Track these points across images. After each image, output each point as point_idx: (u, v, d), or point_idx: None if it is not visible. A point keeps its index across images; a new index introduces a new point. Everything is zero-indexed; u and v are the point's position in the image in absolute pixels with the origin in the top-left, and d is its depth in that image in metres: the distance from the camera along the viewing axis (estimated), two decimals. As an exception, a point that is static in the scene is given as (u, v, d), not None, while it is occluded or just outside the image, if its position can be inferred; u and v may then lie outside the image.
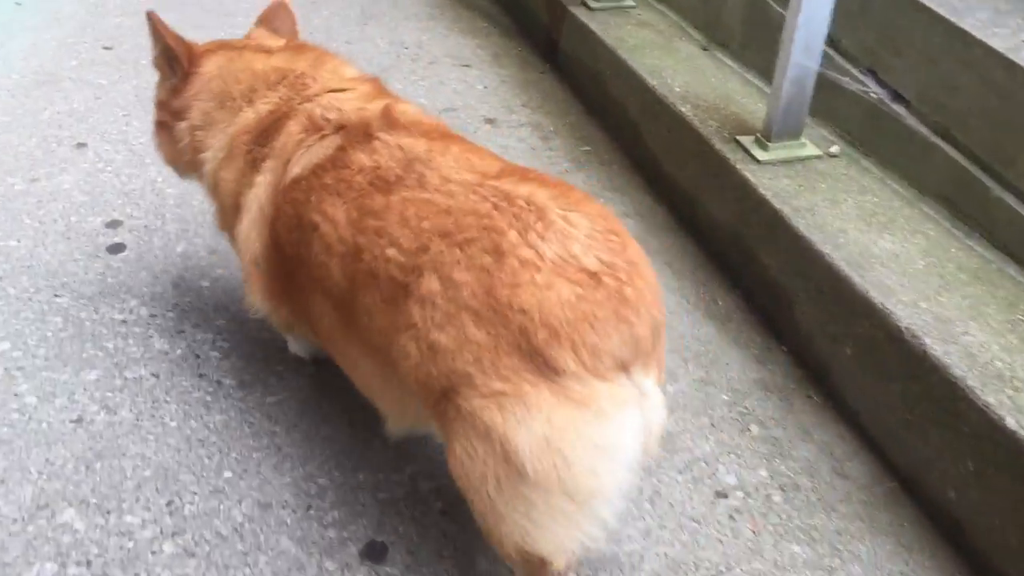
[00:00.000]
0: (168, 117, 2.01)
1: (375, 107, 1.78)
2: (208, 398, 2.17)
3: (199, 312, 2.46)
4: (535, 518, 1.40)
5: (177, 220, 2.88)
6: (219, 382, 2.23)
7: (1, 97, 3.57)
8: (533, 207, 1.47)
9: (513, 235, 1.43)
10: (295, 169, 1.73)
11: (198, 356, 2.30)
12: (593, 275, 1.41)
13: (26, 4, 4.52)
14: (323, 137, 1.74)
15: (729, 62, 3.43)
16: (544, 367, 1.36)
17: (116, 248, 2.71)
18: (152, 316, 2.44)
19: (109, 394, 2.17)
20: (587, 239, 1.44)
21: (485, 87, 3.99)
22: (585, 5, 4.01)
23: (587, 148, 3.51)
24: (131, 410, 2.12)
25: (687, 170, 2.99)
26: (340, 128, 1.75)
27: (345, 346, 1.74)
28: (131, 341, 2.34)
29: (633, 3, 4.02)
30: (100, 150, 3.25)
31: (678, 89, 3.19)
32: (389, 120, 1.73)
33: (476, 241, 1.45)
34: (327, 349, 1.86)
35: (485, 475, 1.40)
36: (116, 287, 2.54)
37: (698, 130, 2.90)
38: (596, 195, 3.16)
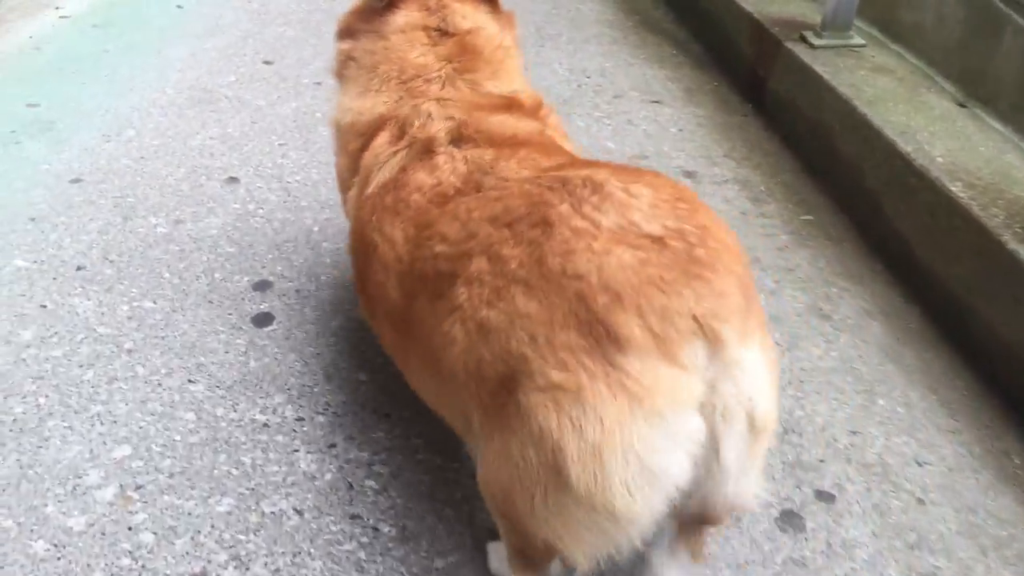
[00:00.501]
0: (357, 20, 1.91)
1: (459, 119, 1.66)
2: (362, 554, 1.68)
3: (354, 418, 1.98)
4: (573, 530, 1.28)
5: (333, 285, 2.42)
6: (376, 529, 1.73)
7: (153, 116, 3.20)
8: (589, 183, 1.33)
9: (565, 208, 1.30)
10: (370, 187, 1.69)
11: (351, 486, 1.82)
12: (658, 239, 1.25)
13: (187, 7, 4.18)
14: (395, 153, 1.68)
15: (998, 125, 2.75)
16: (605, 339, 1.19)
17: (263, 319, 2.27)
18: (299, 420, 1.97)
19: (242, 537, 1.70)
20: (650, 207, 1.29)
21: (680, 130, 3.41)
22: (805, 41, 3.39)
23: (808, 217, 2.89)
24: (267, 566, 1.65)
25: (958, 268, 2.35)
26: (411, 144, 1.67)
27: (407, 364, 1.64)
28: (272, 456, 1.87)
29: (863, 41, 3.38)
30: (252, 187, 2.83)
31: (940, 159, 2.55)
32: (460, 134, 1.62)
33: (525, 218, 1.32)
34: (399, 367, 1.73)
35: (535, 483, 1.26)
36: (260, 374, 2.09)
37: (978, 219, 2.26)
38: (826, 281, 2.55)
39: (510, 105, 1.74)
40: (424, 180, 1.56)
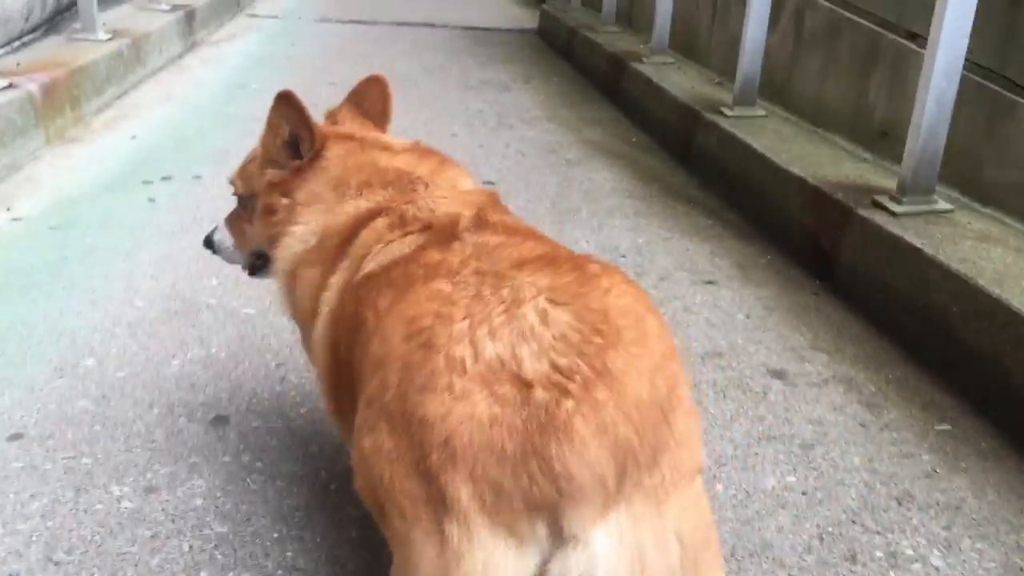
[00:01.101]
0: (280, 194, 1.76)
1: (471, 211, 1.54)
2: None
3: None
4: None
5: (364, 576, 1.75)
6: None
7: (118, 338, 2.57)
8: (516, 295, 1.20)
9: (460, 327, 1.17)
10: (370, 265, 1.51)
11: None
12: (527, 386, 1.09)
13: (159, 200, 3.62)
14: (407, 235, 1.53)
15: None
16: (436, 497, 1.10)
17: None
18: None
19: None
20: (555, 338, 1.14)
21: (747, 316, 2.84)
22: (882, 207, 2.87)
23: (945, 427, 2.29)
24: None
25: None
26: (427, 227, 1.53)
27: None
28: None
29: (949, 206, 2.87)
30: (246, 429, 2.18)
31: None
32: (479, 221, 1.49)
33: (420, 332, 1.20)
34: None
35: None
36: None
37: None
38: (1011, 524, 1.91)
39: (494, 201, 1.67)
40: (434, 257, 1.39)
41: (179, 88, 5.47)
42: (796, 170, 3.33)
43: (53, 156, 4.08)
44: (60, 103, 4.36)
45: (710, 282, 3.08)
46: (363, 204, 1.67)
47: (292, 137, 1.76)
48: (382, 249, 1.53)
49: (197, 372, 2.41)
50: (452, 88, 5.82)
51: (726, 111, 4.14)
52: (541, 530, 1.09)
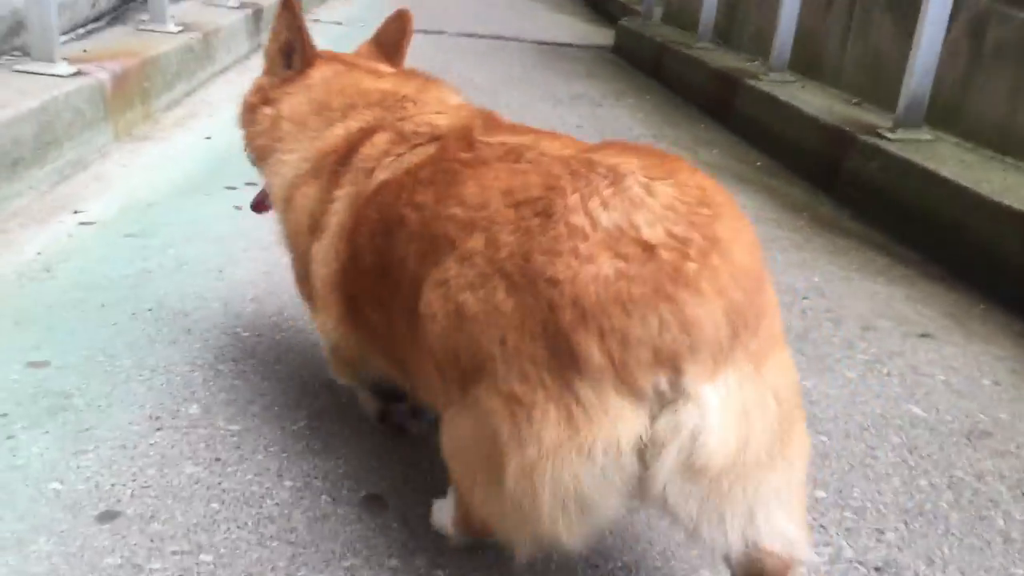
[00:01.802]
0: (260, 101, 1.83)
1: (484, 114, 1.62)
2: None
3: None
4: (505, 528, 1.25)
5: None
6: None
7: (225, 376, 2.01)
8: (612, 174, 1.22)
9: (574, 199, 1.20)
10: (382, 175, 1.53)
11: None
12: (649, 248, 1.14)
13: (247, 208, 3.07)
14: (415, 147, 1.55)
15: None
16: (566, 358, 1.12)
17: None
18: None
19: None
20: (664, 208, 1.17)
21: (995, 382, 2.25)
22: None
23: None
24: None
25: None
26: (435, 138, 1.54)
27: (416, 354, 1.40)
28: None
29: None
30: (409, 515, 1.61)
31: None
32: (490, 123, 1.56)
33: (533, 202, 1.23)
34: (404, 377, 1.57)
35: (480, 473, 1.25)
36: None
37: None
38: None
39: (493, 113, 1.66)
40: (465, 155, 1.41)
41: (251, 88, 4.94)
42: (1011, 203, 2.75)
43: (122, 154, 3.55)
44: (130, 96, 3.84)
45: (925, 335, 2.50)
46: (353, 124, 1.68)
47: (287, 45, 1.80)
48: (392, 162, 1.54)
49: (331, 430, 1.84)
50: (539, 101, 5.29)
51: (886, 133, 3.56)
52: (661, 385, 1.11)
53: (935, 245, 3.07)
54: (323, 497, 1.64)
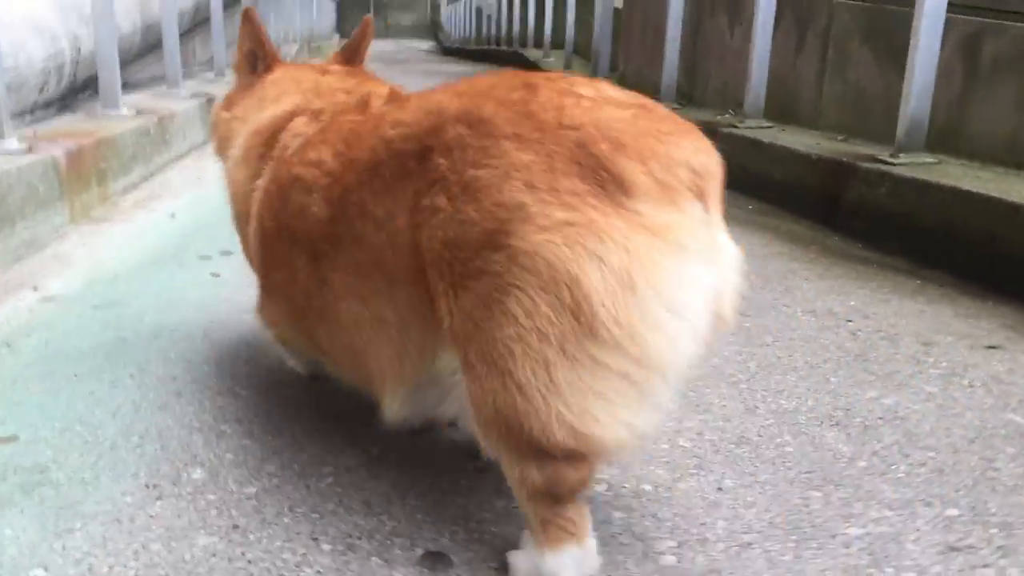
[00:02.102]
0: (224, 108, 1.94)
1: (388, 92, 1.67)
2: None
3: None
4: (602, 392, 1.08)
5: None
6: None
7: (230, 437, 1.71)
8: (558, 77, 1.25)
9: (546, 82, 1.21)
10: (287, 154, 1.57)
11: None
12: (640, 105, 1.18)
13: (225, 275, 2.79)
14: (321, 120, 1.61)
15: None
16: (611, 185, 1.08)
17: None
18: None
19: None
20: (618, 92, 1.21)
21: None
22: None
23: None
24: None
25: None
26: (341, 110, 1.62)
27: (325, 308, 1.42)
28: None
29: None
30: (478, 574, 1.31)
31: None
32: (392, 97, 1.59)
33: (504, 87, 1.21)
34: (310, 333, 1.54)
35: (547, 335, 1.06)
36: None
37: None
38: None
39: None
40: (356, 116, 1.50)
41: (211, 171, 4.69)
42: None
43: (81, 235, 3.26)
44: (86, 175, 3.57)
45: (992, 347, 2.29)
46: (279, 109, 1.72)
47: (250, 54, 1.90)
48: (297, 140, 1.58)
49: (367, 485, 1.54)
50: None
51: (890, 159, 3.43)
52: (698, 207, 1.11)
53: (967, 263, 2.89)
54: (373, 560, 1.33)
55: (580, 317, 1.06)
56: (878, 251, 3.30)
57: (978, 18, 3.48)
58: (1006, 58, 3.38)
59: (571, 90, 1.18)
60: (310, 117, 1.65)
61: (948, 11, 3.35)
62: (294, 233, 1.46)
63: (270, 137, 1.67)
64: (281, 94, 1.79)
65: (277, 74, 1.88)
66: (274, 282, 1.61)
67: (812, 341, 2.34)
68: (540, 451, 1.12)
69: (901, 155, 3.45)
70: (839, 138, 4.24)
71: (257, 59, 1.91)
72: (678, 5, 5.66)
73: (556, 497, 1.15)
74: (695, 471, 1.64)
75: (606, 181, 1.08)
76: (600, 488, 1.56)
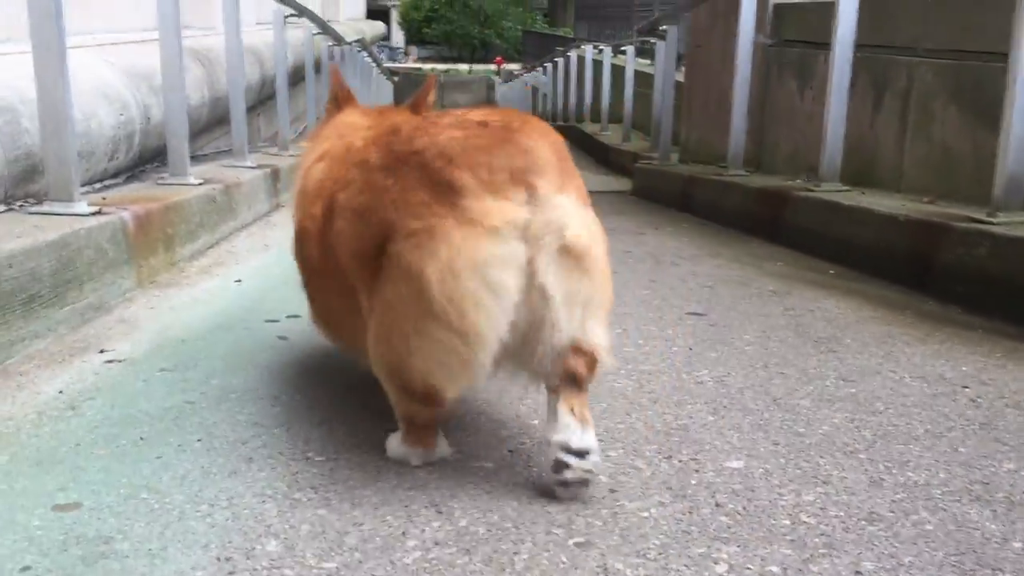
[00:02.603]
0: (309, 137, 2.28)
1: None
2: None
3: None
4: (439, 355, 1.48)
5: None
6: None
7: (305, 507, 1.56)
8: (444, 113, 1.66)
9: (414, 119, 1.79)
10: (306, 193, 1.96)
11: None
12: (482, 123, 1.53)
13: (292, 338, 2.68)
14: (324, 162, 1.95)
15: None
16: (446, 191, 1.45)
17: None
18: None
19: None
20: (484, 114, 1.58)
21: None
22: None
23: None
24: None
25: None
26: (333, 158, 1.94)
27: (332, 310, 1.96)
28: None
29: None
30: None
31: None
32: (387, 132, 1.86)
33: (384, 134, 1.69)
34: (332, 328, 2.05)
35: (408, 316, 1.49)
36: None
37: None
38: None
39: None
40: (340, 151, 1.89)
41: (276, 239, 4.67)
42: None
43: (148, 298, 3.20)
44: (154, 240, 3.53)
45: None
46: (320, 149, 2.01)
47: (333, 96, 2.28)
48: (310, 180, 1.96)
49: (454, 561, 1.38)
50: (578, 235, 4.98)
51: (988, 219, 3.24)
52: (522, 196, 1.47)
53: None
54: (473, 647, 1.16)
55: (423, 301, 1.45)
56: (980, 315, 3.09)
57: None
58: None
59: (427, 126, 1.58)
60: (324, 160, 1.95)
61: (1044, 64, 3.19)
62: (306, 257, 1.96)
63: (307, 168, 2.02)
64: (328, 135, 2.09)
65: (340, 116, 2.20)
66: (310, 292, 2.07)
67: (928, 408, 2.14)
68: (404, 392, 1.61)
69: (1000, 214, 3.25)
70: (924, 199, 4.05)
71: (339, 100, 2.27)
72: (745, 69, 5.57)
73: (412, 421, 1.69)
74: (826, 551, 1.45)
75: (443, 189, 1.46)
76: (720, 569, 1.38)
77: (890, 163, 4.48)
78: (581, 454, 1.53)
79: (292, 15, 6.93)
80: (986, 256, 3.13)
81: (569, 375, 1.54)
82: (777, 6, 5.62)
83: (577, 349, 1.52)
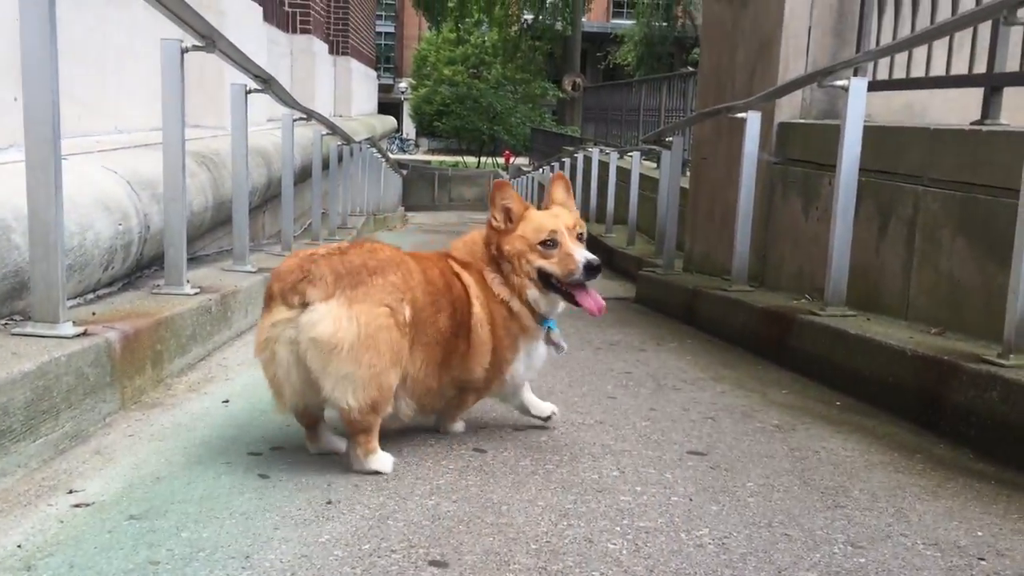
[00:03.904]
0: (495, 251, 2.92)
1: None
2: None
3: None
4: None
5: None
6: None
7: None
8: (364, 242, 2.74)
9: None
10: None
11: None
12: (305, 256, 2.55)
13: (274, 476, 2.55)
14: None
15: None
16: (267, 296, 2.56)
17: None
18: None
19: None
20: (329, 249, 2.64)
21: None
22: None
23: None
24: None
25: None
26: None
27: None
28: None
29: None
30: None
31: None
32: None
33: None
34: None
35: None
36: None
37: None
38: None
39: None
40: None
41: (270, 350, 4.54)
42: None
43: (129, 422, 3.08)
44: (141, 359, 3.43)
45: None
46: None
47: (505, 209, 2.91)
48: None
49: None
50: (578, 350, 4.89)
51: (999, 360, 3.13)
52: (298, 302, 2.43)
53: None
54: None
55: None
56: (993, 463, 2.95)
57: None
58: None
59: (293, 257, 2.57)
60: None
61: (1054, 204, 3.13)
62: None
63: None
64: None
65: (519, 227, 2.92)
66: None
67: (943, 586, 1.99)
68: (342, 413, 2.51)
69: (1011, 356, 3.14)
70: (932, 331, 3.95)
71: (510, 211, 2.90)
72: (749, 186, 5.54)
73: (352, 433, 2.57)
74: None
75: (269, 297, 2.53)
76: None
77: (897, 290, 4.39)
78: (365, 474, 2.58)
79: (301, 119, 6.97)
80: (998, 401, 3.01)
81: (344, 421, 2.54)
82: (782, 124, 5.63)
83: (338, 406, 2.46)
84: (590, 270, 2.79)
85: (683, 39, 39.50)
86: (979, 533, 2.33)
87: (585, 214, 13.39)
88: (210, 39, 4.33)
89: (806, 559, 2.14)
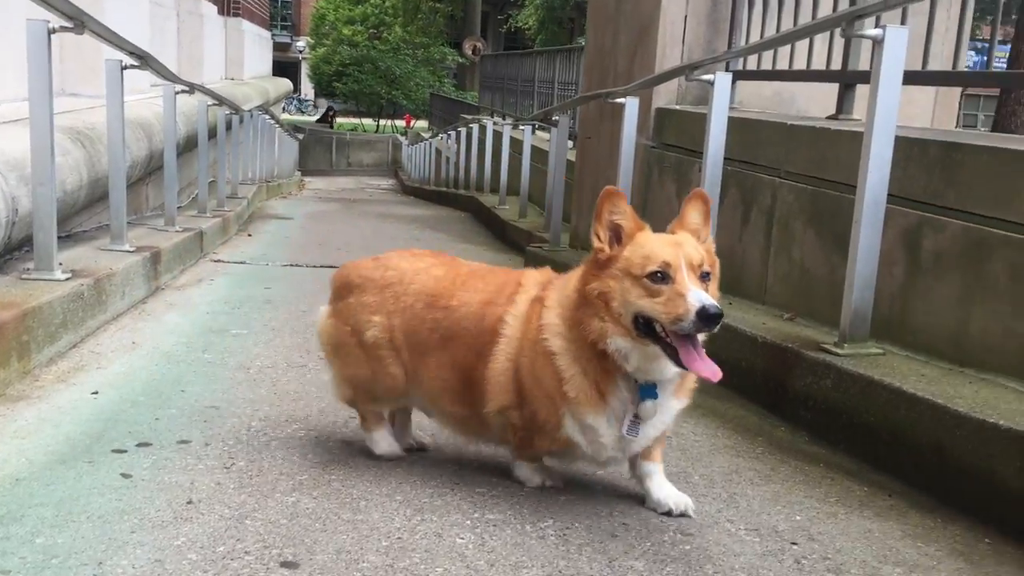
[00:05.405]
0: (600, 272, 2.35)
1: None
2: None
3: None
4: None
5: None
6: None
7: None
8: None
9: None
10: None
11: None
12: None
13: (137, 475, 2.59)
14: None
15: None
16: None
17: None
18: None
19: None
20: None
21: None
22: None
23: None
24: None
25: None
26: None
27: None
28: None
29: None
30: None
31: None
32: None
33: None
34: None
35: None
36: None
37: None
38: None
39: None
40: None
41: (147, 335, 4.54)
42: (997, 420, 2.52)
43: (-10, 420, 3.04)
44: (6, 352, 3.39)
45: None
46: None
47: (615, 227, 2.40)
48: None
49: None
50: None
51: (835, 349, 3.38)
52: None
53: (914, 470, 2.79)
54: None
55: None
56: (825, 446, 3.20)
57: (916, 212, 3.50)
58: (946, 254, 3.38)
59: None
60: None
61: (888, 202, 3.37)
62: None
63: None
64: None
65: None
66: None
67: (754, 571, 2.19)
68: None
69: (846, 345, 3.39)
70: (785, 316, 4.19)
71: (620, 229, 2.37)
72: (628, 168, 5.71)
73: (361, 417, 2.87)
74: None
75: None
76: None
77: (756, 276, 4.64)
78: None
79: (183, 91, 6.83)
80: (831, 388, 3.25)
81: None
82: (659, 110, 5.81)
83: None
84: (706, 319, 2.07)
85: (583, 4, 39.63)
86: (797, 517, 2.54)
87: (480, 186, 13.48)
88: (79, 20, 4.22)
89: (637, 548, 2.31)
